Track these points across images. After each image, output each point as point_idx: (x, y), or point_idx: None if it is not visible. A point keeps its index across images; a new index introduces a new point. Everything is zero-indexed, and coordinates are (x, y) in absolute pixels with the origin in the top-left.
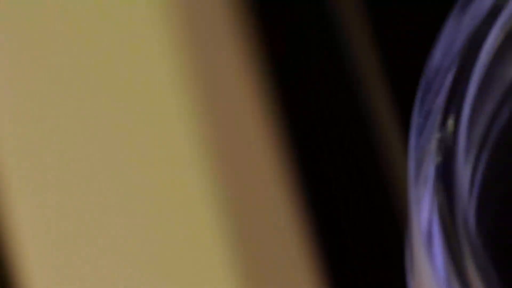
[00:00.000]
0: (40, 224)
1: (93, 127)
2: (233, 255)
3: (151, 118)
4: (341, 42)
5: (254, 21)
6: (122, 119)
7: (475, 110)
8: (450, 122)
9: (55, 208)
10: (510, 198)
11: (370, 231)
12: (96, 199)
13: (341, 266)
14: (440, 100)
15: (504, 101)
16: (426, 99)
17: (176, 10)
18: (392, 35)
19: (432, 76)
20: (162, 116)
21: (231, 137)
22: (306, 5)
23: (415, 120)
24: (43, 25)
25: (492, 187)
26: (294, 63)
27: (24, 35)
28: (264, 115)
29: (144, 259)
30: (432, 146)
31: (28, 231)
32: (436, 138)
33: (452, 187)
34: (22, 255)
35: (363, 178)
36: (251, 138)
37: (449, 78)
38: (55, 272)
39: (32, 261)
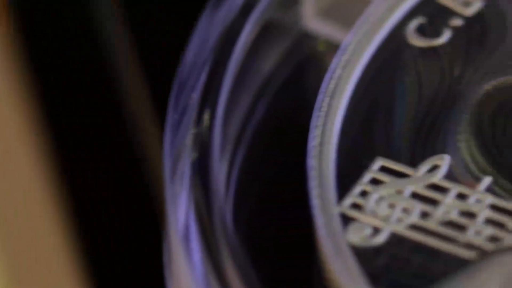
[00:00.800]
0: None
1: None
2: None
3: None
4: (98, 39)
5: (15, 29)
6: None
7: (230, 105)
8: (206, 117)
9: None
10: (267, 195)
11: (129, 228)
12: None
13: (101, 264)
14: (196, 96)
15: (260, 96)
16: (182, 95)
17: None
18: (148, 32)
19: (187, 71)
20: None
21: None
22: (65, 3)
23: (171, 116)
24: None
25: (249, 183)
26: (53, 62)
27: None
28: (22, 114)
29: None
30: (188, 142)
31: None
32: (192, 133)
33: (208, 183)
34: None
35: (121, 175)
36: (8, 136)
37: (204, 73)
38: None
39: None
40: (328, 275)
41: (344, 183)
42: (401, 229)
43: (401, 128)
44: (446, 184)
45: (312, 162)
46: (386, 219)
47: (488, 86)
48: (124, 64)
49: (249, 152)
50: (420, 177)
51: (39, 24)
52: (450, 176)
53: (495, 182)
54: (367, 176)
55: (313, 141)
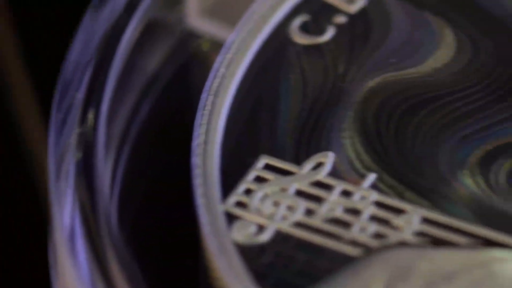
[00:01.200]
0: None
1: None
2: None
3: None
4: None
5: None
6: None
7: (115, 104)
8: (90, 116)
9: None
10: (152, 194)
11: (14, 229)
12: None
13: None
14: (80, 95)
15: (144, 95)
16: (67, 94)
17: None
18: (32, 31)
19: (72, 71)
20: None
21: None
22: None
23: (55, 115)
24: None
25: (134, 182)
26: None
27: None
28: None
29: None
30: (72, 141)
31: None
32: (76, 133)
33: (93, 183)
34: None
35: (7, 174)
36: None
37: (88, 72)
38: None
39: None
40: (213, 273)
41: (229, 181)
42: (286, 227)
43: (285, 125)
44: (330, 181)
45: (196, 160)
46: (270, 217)
47: (371, 83)
48: (9, 63)
49: (134, 151)
50: (304, 174)
51: None
52: (334, 173)
53: (379, 179)
54: (252, 174)
55: (197, 140)
